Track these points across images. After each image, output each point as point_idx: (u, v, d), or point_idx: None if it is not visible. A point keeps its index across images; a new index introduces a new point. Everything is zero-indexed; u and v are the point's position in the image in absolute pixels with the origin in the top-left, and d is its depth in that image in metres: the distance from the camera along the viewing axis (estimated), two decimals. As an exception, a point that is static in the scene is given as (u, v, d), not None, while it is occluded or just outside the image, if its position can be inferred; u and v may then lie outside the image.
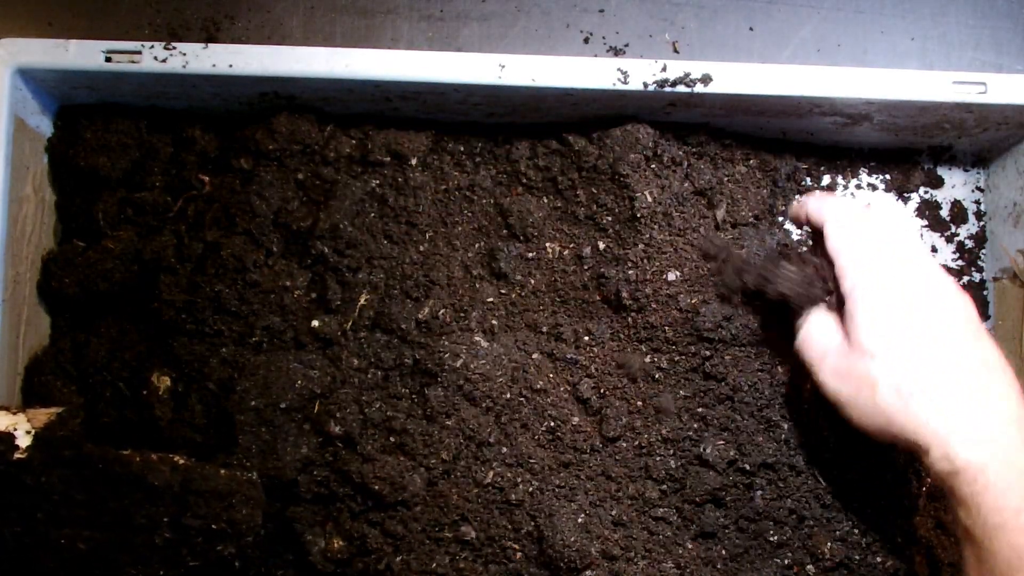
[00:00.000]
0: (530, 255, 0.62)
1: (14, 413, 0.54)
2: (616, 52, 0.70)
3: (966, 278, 0.68)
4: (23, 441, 0.52)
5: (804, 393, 0.60)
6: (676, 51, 0.70)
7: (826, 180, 0.67)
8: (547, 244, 0.62)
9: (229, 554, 0.52)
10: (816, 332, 0.53)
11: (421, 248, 0.61)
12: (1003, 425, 0.46)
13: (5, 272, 0.57)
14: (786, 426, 0.59)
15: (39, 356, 0.60)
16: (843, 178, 0.68)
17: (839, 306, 0.53)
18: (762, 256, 0.59)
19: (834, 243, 0.53)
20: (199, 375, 0.58)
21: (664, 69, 0.58)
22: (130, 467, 0.52)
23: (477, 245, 0.62)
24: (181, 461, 0.53)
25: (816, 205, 0.55)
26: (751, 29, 0.71)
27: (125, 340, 0.60)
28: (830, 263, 0.53)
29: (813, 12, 0.72)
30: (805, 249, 0.58)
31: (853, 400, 0.50)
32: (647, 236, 0.60)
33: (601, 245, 0.61)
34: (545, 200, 0.63)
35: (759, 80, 0.59)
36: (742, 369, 0.59)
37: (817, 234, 0.55)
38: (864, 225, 0.53)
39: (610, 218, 0.61)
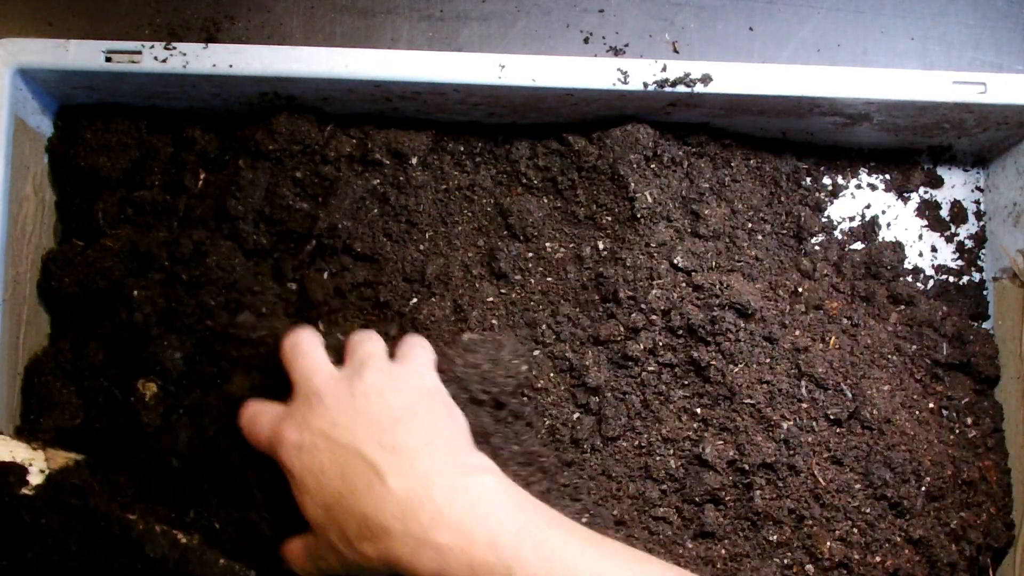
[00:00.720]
0: (530, 255, 0.62)
1: (34, 448, 0.53)
2: (616, 52, 0.70)
3: (966, 278, 0.68)
4: (35, 478, 0.52)
5: (803, 393, 0.60)
6: (676, 51, 0.70)
7: (826, 180, 0.67)
8: (547, 244, 0.62)
9: None
10: (291, 546, 0.49)
11: (421, 247, 0.61)
12: (444, 513, 0.44)
13: (5, 272, 0.57)
14: (785, 426, 0.59)
15: (39, 356, 0.60)
16: (843, 178, 0.68)
17: None
18: None
19: (259, 435, 0.49)
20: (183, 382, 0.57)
21: (664, 69, 0.58)
22: (130, 532, 0.51)
23: (477, 245, 0.62)
24: (183, 539, 0.52)
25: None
26: (751, 29, 0.71)
27: (120, 343, 0.60)
28: None
29: (813, 12, 0.72)
30: None
31: (350, 570, 0.47)
32: (647, 236, 0.60)
33: (601, 245, 0.61)
34: (545, 200, 0.63)
35: (759, 80, 0.59)
36: (742, 369, 0.59)
37: None
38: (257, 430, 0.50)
39: (610, 218, 0.61)
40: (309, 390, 0.49)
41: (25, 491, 0.51)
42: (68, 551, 0.51)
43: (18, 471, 0.51)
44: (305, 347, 0.51)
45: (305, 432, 0.47)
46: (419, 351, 0.52)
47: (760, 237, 0.64)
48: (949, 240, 0.69)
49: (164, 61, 0.57)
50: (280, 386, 0.51)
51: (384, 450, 0.46)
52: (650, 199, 0.61)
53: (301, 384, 0.49)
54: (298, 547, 0.49)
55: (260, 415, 0.50)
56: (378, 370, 0.49)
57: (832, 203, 0.67)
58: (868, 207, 0.68)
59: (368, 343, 0.51)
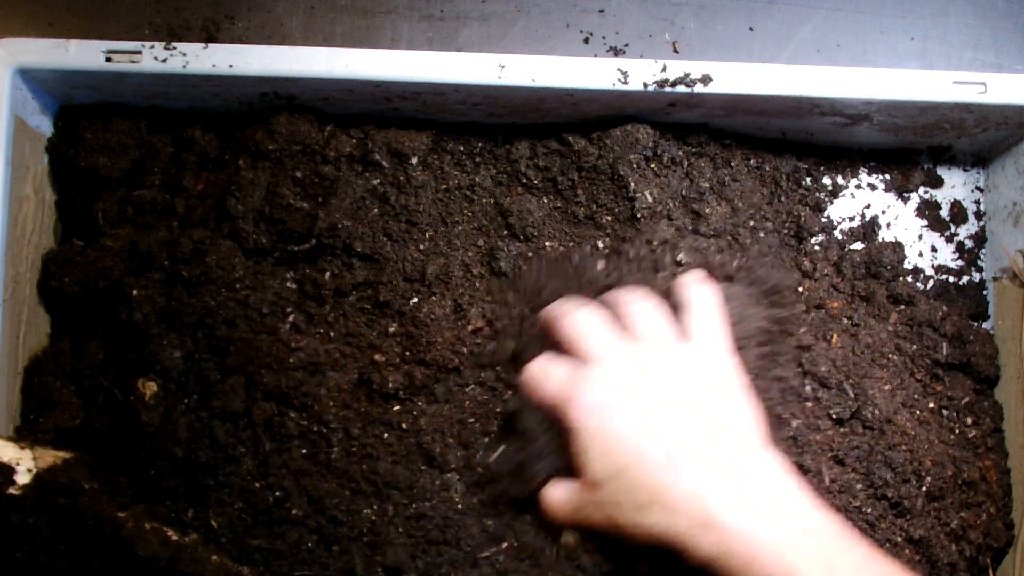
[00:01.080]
0: (530, 254, 0.62)
1: (21, 447, 0.53)
2: (616, 52, 0.70)
3: (966, 278, 0.68)
4: (22, 478, 0.51)
5: (807, 391, 0.60)
6: (676, 51, 0.70)
7: (826, 180, 0.67)
8: (547, 244, 0.62)
9: None
10: (555, 491, 0.52)
11: (421, 247, 0.61)
12: (730, 507, 0.46)
13: (5, 272, 0.57)
14: (795, 424, 0.59)
15: (39, 356, 0.60)
16: (843, 178, 0.68)
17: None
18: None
19: (548, 390, 0.52)
20: (184, 381, 0.57)
21: (664, 69, 0.58)
22: (120, 530, 0.51)
23: (477, 244, 0.62)
24: (174, 537, 0.52)
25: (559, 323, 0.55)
26: (751, 29, 0.71)
27: (120, 342, 0.60)
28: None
29: (813, 12, 0.72)
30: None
31: (614, 528, 0.49)
32: (647, 235, 0.60)
33: (601, 244, 0.61)
34: (545, 200, 0.63)
35: (759, 80, 0.59)
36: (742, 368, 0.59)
37: None
38: (559, 370, 0.52)
39: (610, 218, 0.61)
40: (605, 359, 0.51)
41: (12, 491, 0.51)
42: (57, 551, 0.50)
43: (5, 471, 0.51)
44: (592, 319, 0.53)
45: (602, 396, 0.50)
46: (712, 325, 0.54)
47: (761, 235, 0.64)
48: (949, 240, 0.69)
49: (164, 61, 0.57)
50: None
51: (687, 431, 0.49)
52: (650, 199, 0.61)
53: (594, 353, 0.52)
54: (561, 494, 0.51)
55: (551, 373, 0.52)
56: (675, 350, 0.52)
57: (832, 203, 0.67)
58: (868, 207, 0.68)
59: (654, 316, 0.53)
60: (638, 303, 0.54)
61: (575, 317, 0.54)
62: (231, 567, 0.52)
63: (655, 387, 0.50)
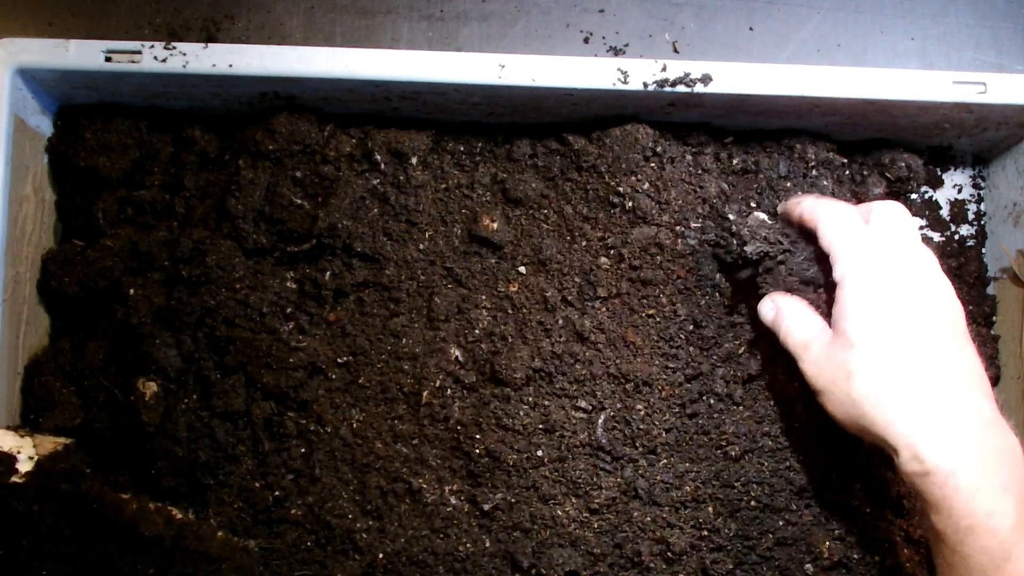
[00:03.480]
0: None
1: (21, 436, 0.53)
2: (616, 52, 0.70)
3: (966, 278, 0.68)
4: (24, 466, 0.51)
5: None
6: (676, 51, 0.70)
7: (826, 182, 0.67)
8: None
9: None
10: (798, 321, 0.53)
11: (421, 247, 0.61)
12: (973, 431, 0.47)
13: (5, 272, 0.57)
14: (807, 427, 0.59)
15: (39, 356, 0.60)
16: (844, 178, 0.68)
17: (827, 296, 0.53)
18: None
19: (830, 232, 0.53)
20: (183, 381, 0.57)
21: (664, 69, 0.58)
22: (123, 513, 0.51)
23: (477, 245, 0.62)
24: (178, 515, 0.52)
25: (812, 203, 0.56)
26: (751, 29, 0.71)
27: (120, 342, 0.60)
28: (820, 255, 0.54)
29: (813, 12, 0.72)
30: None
31: (830, 388, 0.50)
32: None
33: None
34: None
35: (759, 80, 0.59)
36: (743, 367, 0.59)
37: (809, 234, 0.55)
38: (860, 220, 0.53)
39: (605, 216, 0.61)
40: (887, 247, 0.51)
41: (15, 480, 0.51)
42: (63, 537, 0.50)
43: (6, 460, 0.51)
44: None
45: (884, 265, 0.50)
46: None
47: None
48: (949, 240, 0.69)
49: (164, 61, 0.57)
50: None
51: (955, 352, 0.48)
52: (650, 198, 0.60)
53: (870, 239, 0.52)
54: (808, 330, 0.52)
55: (850, 216, 0.53)
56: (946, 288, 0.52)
57: (832, 203, 0.67)
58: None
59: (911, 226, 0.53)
60: (894, 209, 0.54)
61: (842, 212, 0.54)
62: (237, 542, 0.52)
63: (928, 306, 0.50)
